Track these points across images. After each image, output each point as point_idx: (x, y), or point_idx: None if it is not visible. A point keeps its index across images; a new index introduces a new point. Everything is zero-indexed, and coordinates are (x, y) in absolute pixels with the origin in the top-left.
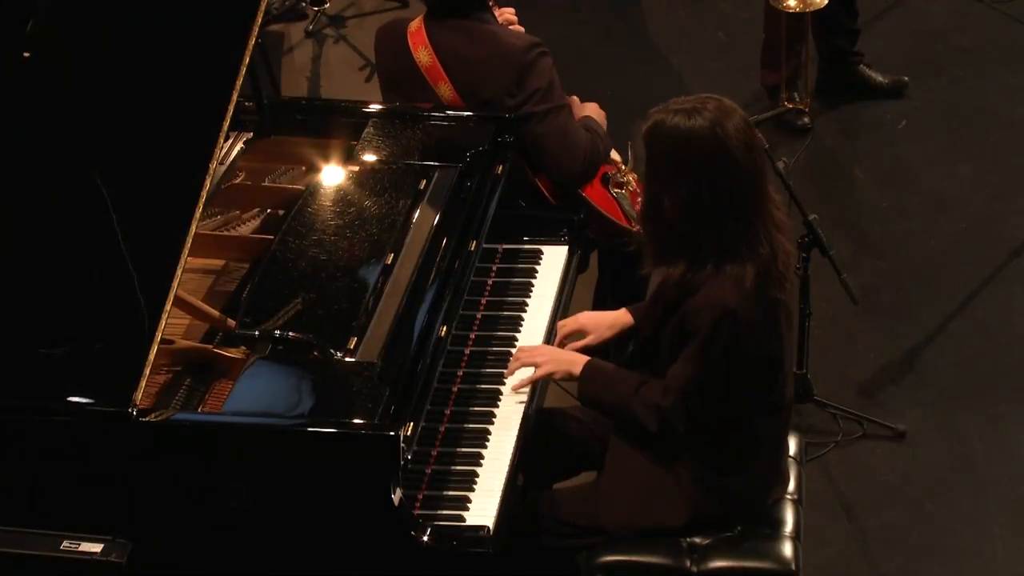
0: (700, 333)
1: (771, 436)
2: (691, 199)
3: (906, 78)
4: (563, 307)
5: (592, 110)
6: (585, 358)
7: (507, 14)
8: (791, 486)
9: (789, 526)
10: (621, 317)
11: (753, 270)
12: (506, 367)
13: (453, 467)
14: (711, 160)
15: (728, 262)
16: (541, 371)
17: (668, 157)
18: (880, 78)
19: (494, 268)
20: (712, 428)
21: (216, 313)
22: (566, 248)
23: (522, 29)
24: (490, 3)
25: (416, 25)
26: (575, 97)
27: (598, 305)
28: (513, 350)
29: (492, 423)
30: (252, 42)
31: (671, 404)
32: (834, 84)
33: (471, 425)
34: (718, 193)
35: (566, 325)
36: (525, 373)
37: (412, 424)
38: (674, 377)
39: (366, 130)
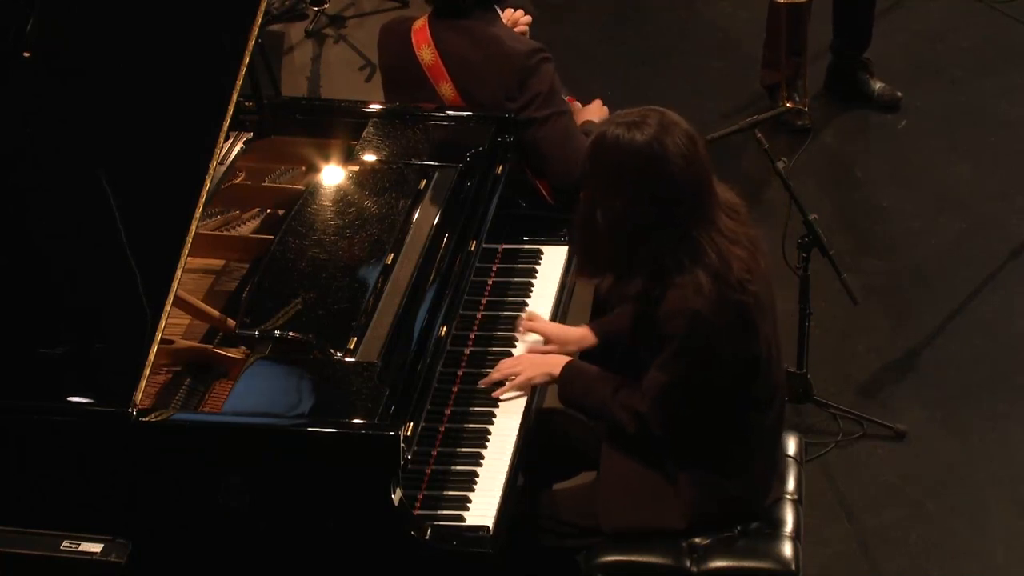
0: (673, 338)
1: (763, 434)
2: (625, 212)
3: (900, 93)
4: (563, 307)
5: (595, 110)
6: (564, 359)
7: (516, 16)
8: (791, 486)
9: (789, 526)
10: (586, 337)
11: (707, 276)
12: None
13: (453, 467)
14: (647, 174)
15: (671, 273)
16: (521, 378)
17: (606, 170)
18: (876, 89)
19: (494, 268)
20: (695, 429)
21: (216, 313)
22: (566, 248)
23: (526, 30)
24: (496, 6)
25: (420, 23)
26: (576, 103)
27: (598, 305)
28: (513, 350)
29: (492, 423)
30: (252, 42)
31: (648, 408)
32: (837, 86)
33: (471, 425)
34: (654, 206)
35: (533, 326)
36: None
37: (412, 424)
38: (650, 382)
39: (366, 130)
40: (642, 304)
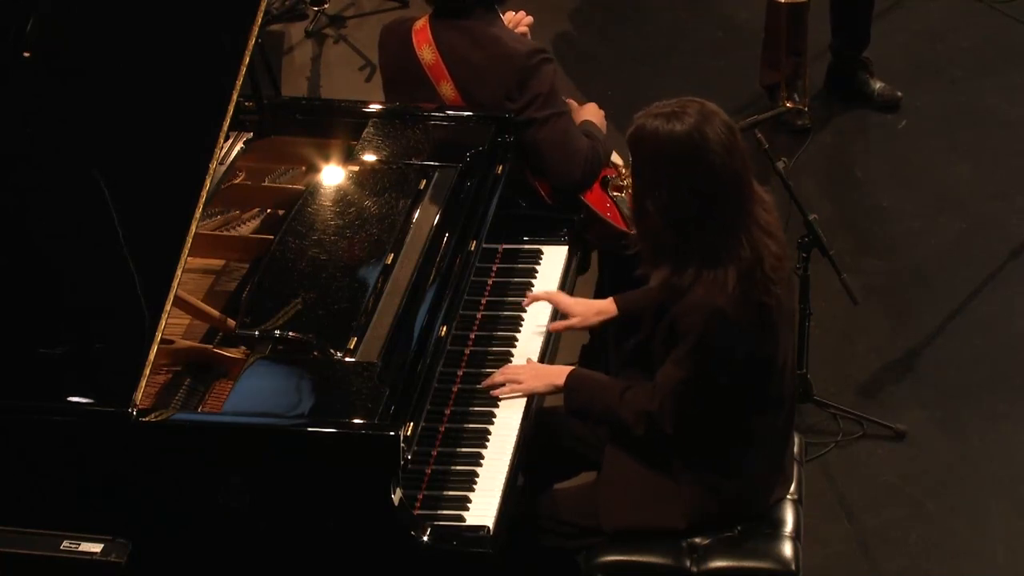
0: (690, 334)
1: (769, 435)
2: (671, 203)
3: (900, 93)
4: None
5: (590, 111)
6: (567, 369)
7: (518, 17)
8: (791, 486)
9: (789, 526)
10: (608, 307)
11: (735, 273)
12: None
13: (453, 467)
14: (689, 164)
15: (709, 265)
16: (524, 387)
17: (649, 161)
18: (876, 89)
19: (494, 268)
20: (703, 428)
21: (216, 313)
22: (566, 248)
23: (527, 31)
24: (496, 6)
25: (421, 23)
26: (572, 101)
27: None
28: (513, 350)
29: (492, 423)
30: (252, 42)
31: (659, 406)
32: (838, 86)
33: (471, 425)
34: (697, 197)
35: (552, 301)
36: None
37: (412, 424)
38: (663, 378)
39: (366, 130)
40: (668, 295)
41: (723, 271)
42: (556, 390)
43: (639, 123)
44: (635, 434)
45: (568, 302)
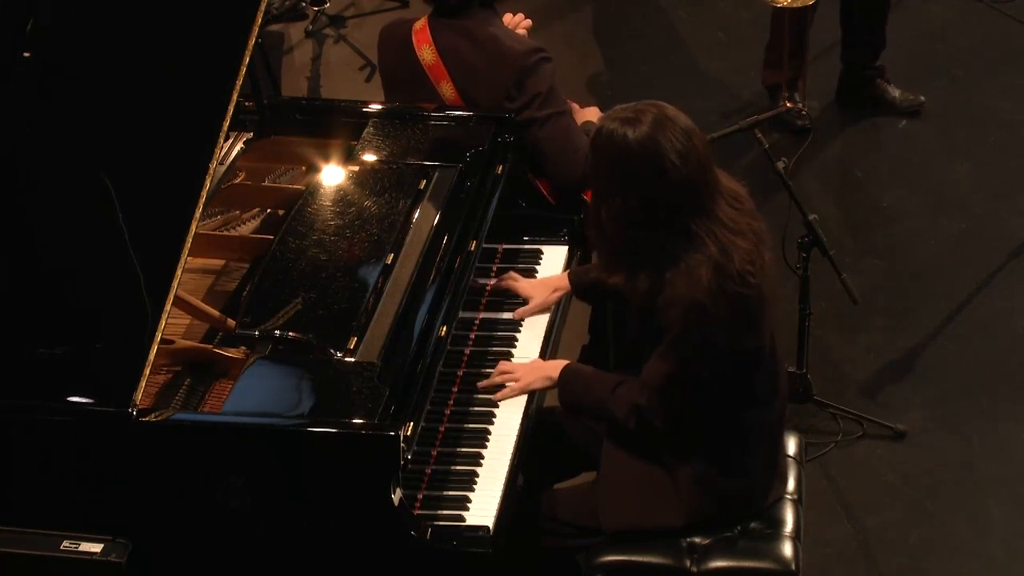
0: (672, 329)
1: (763, 431)
2: (624, 209)
3: (923, 97)
4: (563, 307)
5: (592, 114)
6: (562, 363)
7: (516, 19)
8: (791, 486)
9: (789, 526)
10: (563, 282)
11: (707, 267)
12: None
13: (453, 467)
14: (642, 171)
15: (670, 266)
16: (519, 384)
17: (605, 166)
18: (896, 96)
19: (494, 268)
20: (695, 423)
21: (216, 313)
22: (566, 248)
23: (525, 33)
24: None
25: (421, 24)
26: (574, 103)
27: (598, 306)
28: (513, 351)
29: (492, 423)
30: (252, 42)
31: (647, 400)
32: (851, 96)
33: (471, 425)
34: (650, 203)
35: (511, 288)
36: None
37: (412, 424)
38: (650, 373)
39: (366, 130)
40: (644, 296)
41: (693, 267)
42: (551, 384)
43: (598, 127)
44: (627, 429)
45: (524, 285)
